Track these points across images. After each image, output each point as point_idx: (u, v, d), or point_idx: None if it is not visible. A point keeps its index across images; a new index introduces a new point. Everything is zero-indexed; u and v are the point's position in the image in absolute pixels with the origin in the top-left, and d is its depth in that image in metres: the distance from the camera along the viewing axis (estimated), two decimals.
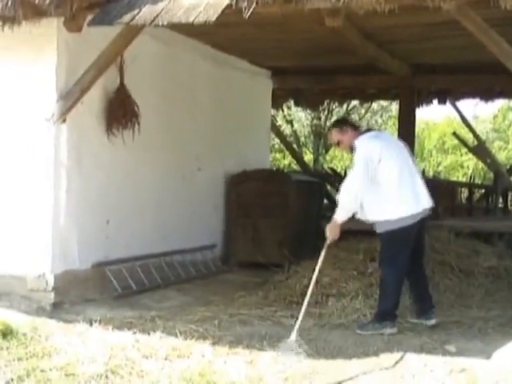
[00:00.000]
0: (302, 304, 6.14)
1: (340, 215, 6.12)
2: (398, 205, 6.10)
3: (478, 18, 5.79)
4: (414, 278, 6.49)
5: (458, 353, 5.53)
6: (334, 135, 6.54)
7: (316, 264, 6.07)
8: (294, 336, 5.59)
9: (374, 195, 6.11)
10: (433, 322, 6.37)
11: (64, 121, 6.85)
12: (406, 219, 6.09)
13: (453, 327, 6.34)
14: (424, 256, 6.62)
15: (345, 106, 19.20)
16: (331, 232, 6.16)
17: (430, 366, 5.18)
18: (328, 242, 6.17)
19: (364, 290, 7.04)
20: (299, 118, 24.67)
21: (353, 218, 6.25)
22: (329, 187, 14.39)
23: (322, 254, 6.11)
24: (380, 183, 6.10)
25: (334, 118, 21.57)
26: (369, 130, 6.74)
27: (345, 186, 6.11)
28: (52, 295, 6.78)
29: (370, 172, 6.04)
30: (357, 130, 6.50)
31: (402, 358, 5.39)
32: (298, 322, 5.74)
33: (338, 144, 6.57)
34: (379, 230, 6.23)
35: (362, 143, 6.23)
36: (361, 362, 5.31)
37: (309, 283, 7.15)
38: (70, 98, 6.80)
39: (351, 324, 6.43)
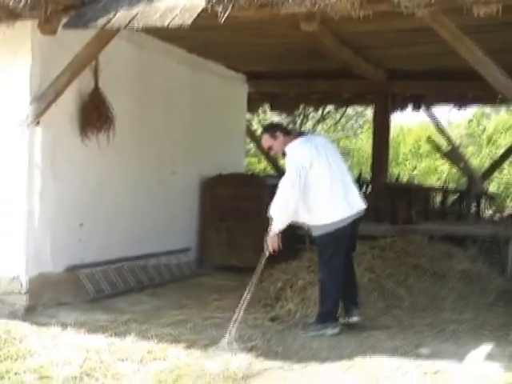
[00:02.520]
0: (276, 306, 6.24)
1: (276, 226, 6.11)
2: (330, 209, 6.16)
3: (451, 25, 5.84)
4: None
5: (430, 356, 5.57)
6: (265, 141, 6.48)
7: (255, 275, 6.08)
8: (228, 338, 5.68)
9: (307, 200, 6.13)
10: (354, 319, 6.37)
11: (38, 123, 6.83)
12: (338, 223, 6.16)
13: (426, 330, 6.37)
14: (352, 253, 6.62)
15: (320, 110, 19.19)
16: (271, 243, 6.13)
17: (403, 369, 5.19)
18: (267, 253, 6.15)
19: None
20: None
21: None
22: None
23: (261, 266, 6.13)
24: (312, 189, 6.11)
25: (309, 123, 21.64)
26: (300, 133, 6.72)
27: (276, 197, 6.07)
28: (26, 298, 6.76)
29: (303, 179, 6.03)
30: (288, 135, 6.44)
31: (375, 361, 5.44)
32: (235, 326, 5.81)
33: (269, 149, 6.54)
34: (314, 233, 6.32)
35: (293, 150, 6.20)
36: (335, 365, 5.32)
37: (284, 286, 7.19)
38: (44, 101, 6.78)
39: None
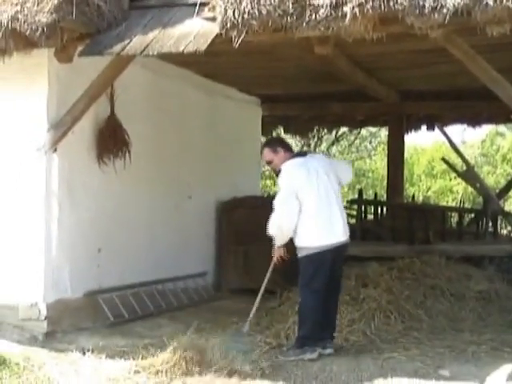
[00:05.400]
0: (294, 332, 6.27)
1: (277, 242, 6.41)
2: (312, 233, 6.15)
3: (464, 45, 5.86)
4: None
5: (451, 377, 5.54)
6: (267, 154, 6.53)
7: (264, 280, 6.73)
8: (246, 327, 6.40)
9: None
10: (327, 351, 6.20)
11: (55, 150, 6.87)
12: (319, 248, 6.12)
13: (446, 352, 6.32)
14: (338, 291, 6.53)
15: (334, 132, 19.21)
16: (276, 253, 6.51)
17: None
18: (274, 260, 6.57)
19: (359, 316, 7.03)
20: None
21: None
22: None
23: (269, 271, 6.67)
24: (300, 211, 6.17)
25: (323, 144, 21.64)
26: (299, 153, 6.77)
27: (272, 217, 6.19)
28: (44, 324, 6.76)
29: (296, 196, 6.10)
30: (289, 152, 6.52)
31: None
32: (251, 315, 6.57)
33: (269, 163, 6.60)
34: (298, 255, 6.28)
35: (286, 169, 6.26)
36: None
37: None
38: (61, 128, 6.82)
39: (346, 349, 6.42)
